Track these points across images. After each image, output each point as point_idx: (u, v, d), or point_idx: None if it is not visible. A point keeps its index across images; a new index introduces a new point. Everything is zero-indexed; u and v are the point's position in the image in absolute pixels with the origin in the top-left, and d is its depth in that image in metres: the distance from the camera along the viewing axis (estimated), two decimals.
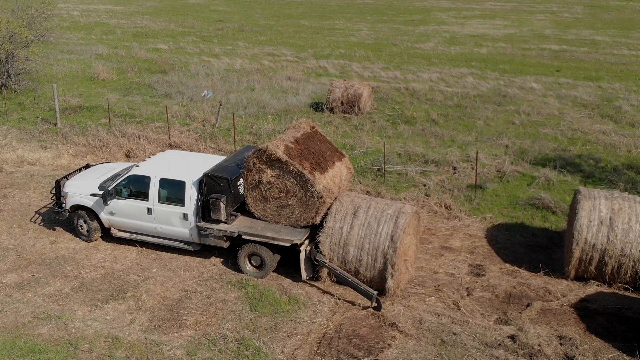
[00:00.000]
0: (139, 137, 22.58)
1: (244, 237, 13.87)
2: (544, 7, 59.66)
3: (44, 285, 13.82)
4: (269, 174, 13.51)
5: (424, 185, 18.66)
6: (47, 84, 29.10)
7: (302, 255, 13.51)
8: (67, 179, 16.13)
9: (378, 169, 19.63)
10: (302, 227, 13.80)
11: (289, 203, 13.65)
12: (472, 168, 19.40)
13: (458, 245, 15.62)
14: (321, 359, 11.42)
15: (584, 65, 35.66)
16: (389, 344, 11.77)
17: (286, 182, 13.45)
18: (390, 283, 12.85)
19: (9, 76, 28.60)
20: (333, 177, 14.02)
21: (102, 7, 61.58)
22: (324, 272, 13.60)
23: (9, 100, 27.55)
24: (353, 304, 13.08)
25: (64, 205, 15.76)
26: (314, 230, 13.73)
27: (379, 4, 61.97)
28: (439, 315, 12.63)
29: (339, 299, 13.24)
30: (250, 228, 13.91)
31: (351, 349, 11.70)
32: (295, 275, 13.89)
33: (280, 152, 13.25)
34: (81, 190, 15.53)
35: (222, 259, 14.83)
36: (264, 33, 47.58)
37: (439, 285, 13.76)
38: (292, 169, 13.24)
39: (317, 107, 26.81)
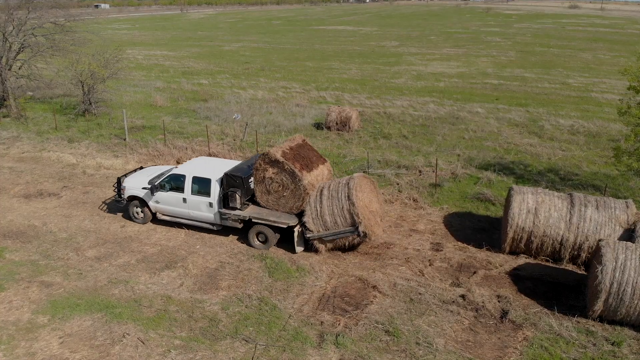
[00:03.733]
0: (186, 148, 22.56)
1: (253, 220, 13.97)
2: (487, 52, 59.57)
3: (116, 258, 13.85)
4: (270, 172, 13.60)
5: (397, 184, 18.64)
6: (118, 109, 29.07)
7: (296, 234, 13.60)
8: (126, 177, 16.23)
9: (363, 172, 19.57)
10: (295, 214, 13.81)
11: (284, 194, 13.71)
12: (433, 171, 19.38)
13: (422, 228, 15.61)
14: (321, 312, 11.44)
15: (516, 95, 35.56)
16: (372, 302, 11.79)
17: (282, 177, 13.54)
18: (362, 228, 12.81)
19: (90, 104, 28.64)
20: (316, 176, 14.15)
21: (159, 53, 61.48)
22: (322, 247, 13.56)
23: (90, 122, 27.56)
24: (345, 272, 13.09)
25: (123, 196, 15.85)
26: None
27: (364, 51, 61.91)
28: (408, 280, 12.65)
29: (334, 268, 13.26)
30: (258, 214, 13.99)
31: (343, 305, 11.72)
32: (302, 251, 13.85)
33: (278, 155, 13.44)
34: (135, 184, 15.63)
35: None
36: (279, 72, 47.47)
37: (408, 258, 13.76)
38: (287, 168, 13.37)
39: (318, 126, 26.77)
